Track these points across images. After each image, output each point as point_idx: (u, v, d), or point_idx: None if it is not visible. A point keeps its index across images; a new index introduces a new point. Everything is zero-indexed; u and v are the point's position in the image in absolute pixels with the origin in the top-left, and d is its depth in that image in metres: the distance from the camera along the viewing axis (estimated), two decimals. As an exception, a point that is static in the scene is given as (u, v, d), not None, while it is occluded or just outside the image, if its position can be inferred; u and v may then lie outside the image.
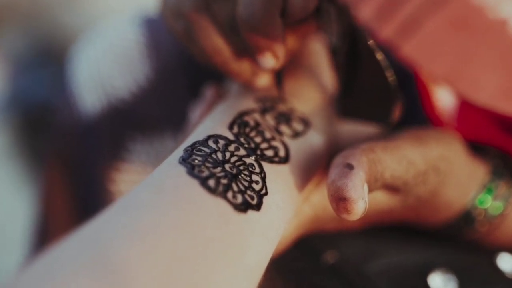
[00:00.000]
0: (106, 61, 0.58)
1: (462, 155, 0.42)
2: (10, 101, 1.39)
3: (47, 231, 0.61)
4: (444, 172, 0.41)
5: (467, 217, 0.44)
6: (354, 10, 0.28)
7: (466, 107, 0.50)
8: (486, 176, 0.44)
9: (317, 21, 0.43)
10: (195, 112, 0.46)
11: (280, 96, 0.43)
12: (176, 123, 0.55)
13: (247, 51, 0.42)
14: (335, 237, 0.46)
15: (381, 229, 0.47)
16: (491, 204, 0.44)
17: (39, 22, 1.52)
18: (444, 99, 0.51)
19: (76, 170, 0.60)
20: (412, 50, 0.27)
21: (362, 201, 0.35)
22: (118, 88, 0.57)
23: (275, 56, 0.41)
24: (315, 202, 0.41)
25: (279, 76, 0.44)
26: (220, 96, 0.46)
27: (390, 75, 0.41)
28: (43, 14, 1.52)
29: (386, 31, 0.26)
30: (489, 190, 0.44)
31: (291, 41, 0.44)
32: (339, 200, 0.35)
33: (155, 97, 0.57)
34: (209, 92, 0.47)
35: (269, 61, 0.41)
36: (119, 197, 0.55)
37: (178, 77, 0.57)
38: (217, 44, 0.42)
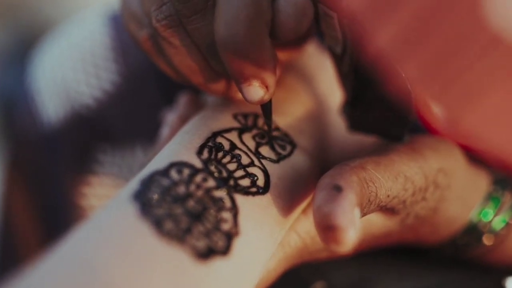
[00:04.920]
0: (70, 64, 0.54)
1: (463, 165, 0.40)
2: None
3: (13, 244, 0.58)
4: (445, 186, 0.38)
5: (472, 232, 0.41)
6: (395, 64, 0.23)
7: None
8: (489, 187, 0.42)
9: (317, 27, 0.38)
10: (166, 125, 0.41)
11: (267, 131, 0.38)
12: (147, 135, 0.51)
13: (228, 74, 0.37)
14: (325, 265, 0.44)
15: (376, 253, 0.44)
16: (496, 216, 0.41)
17: (21, 16, 1.49)
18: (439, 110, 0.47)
19: (39, 183, 0.56)
20: (474, 124, 0.22)
21: (352, 229, 0.30)
22: (82, 93, 0.54)
23: (264, 85, 0.35)
24: (302, 231, 0.37)
25: (267, 107, 0.38)
26: (196, 105, 0.42)
27: (407, 89, 0.36)
28: (26, 8, 1.49)
29: (444, 100, 0.22)
30: (495, 202, 0.41)
31: (282, 55, 0.39)
32: (327, 228, 0.30)
33: (123, 105, 0.53)
34: (183, 101, 0.42)
35: (257, 91, 0.35)
36: (90, 212, 0.53)
37: (148, 84, 0.53)
38: (193, 65, 0.37)
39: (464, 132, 0.22)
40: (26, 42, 1.42)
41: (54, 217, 0.56)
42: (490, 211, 0.41)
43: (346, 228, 0.30)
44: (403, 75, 0.35)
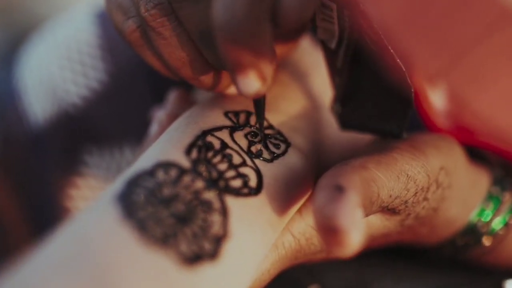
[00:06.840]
0: (57, 63, 0.53)
1: (463, 165, 0.39)
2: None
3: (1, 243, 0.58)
4: (446, 185, 0.37)
5: (471, 232, 0.41)
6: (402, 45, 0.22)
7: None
8: (490, 187, 0.41)
9: (311, 20, 0.36)
10: (155, 122, 0.40)
11: (260, 130, 0.36)
12: (136, 135, 0.50)
13: (223, 65, 0.35)
14: (320, 267, 0.43)
15: (372, 255, 0.43)
16: (495, 216, 0.41)
17: (13, 15, 1.48)
18: (438, 101, 0.46)
19: (26, 183, 0.56)
20: (482, 105, 0.22)
21: (356, 231, 0.29)
22: (69, 92, 0.53)
23: (261, 76, 0.32)
24: (297, 232, 0.36)
25: (260, 104, 0.36)
26: (186, 103, 0.40)
27: (407, 84, 0.35)
28: (17, 7, 1.48)
29: (452, 78, 0.21)
30: (495, 202, 0.41)
31: (280, 49, 0.37)
32: (329, 230, 0.29)
33: (111, 104, 0.52)
34: (173, 98, 0.40)
35: (253, 83, 0.32)
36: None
37: (137, 82, 0.52)
38: (184, 56, 0.35)
39: (470, 114, 0.21)
40: (17, 42, 1.41)
41: (41, 217, 0.55)
42: (489, 212, 0.41)
43: (349, 230, 0.29)
44: (403, 67, 0.34)
